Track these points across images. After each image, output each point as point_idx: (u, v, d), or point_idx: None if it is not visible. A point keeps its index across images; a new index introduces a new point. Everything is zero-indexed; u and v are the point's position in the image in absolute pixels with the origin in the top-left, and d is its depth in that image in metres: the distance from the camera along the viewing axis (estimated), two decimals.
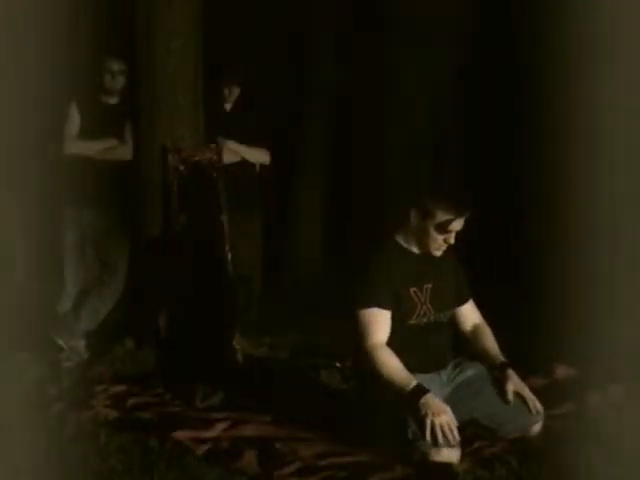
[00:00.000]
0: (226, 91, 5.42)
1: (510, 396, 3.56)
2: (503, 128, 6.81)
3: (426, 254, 3.61)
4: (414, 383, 3.37)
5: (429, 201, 3.53)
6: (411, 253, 3.62)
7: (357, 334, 3.51)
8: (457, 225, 3.54)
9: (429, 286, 3.60)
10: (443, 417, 3.30)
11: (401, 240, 3.63)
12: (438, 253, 3.60)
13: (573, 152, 5.43)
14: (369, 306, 3.50)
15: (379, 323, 3.50)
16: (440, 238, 3.55)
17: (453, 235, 3.56)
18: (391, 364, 3.43)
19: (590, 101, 5.12)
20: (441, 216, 3.51)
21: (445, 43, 7.14)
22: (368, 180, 7.41)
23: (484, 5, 7.00)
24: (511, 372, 3.61)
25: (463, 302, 3.78)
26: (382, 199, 7.15)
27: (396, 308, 3.53)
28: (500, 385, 3.60)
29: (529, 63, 6.37)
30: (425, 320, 3.59)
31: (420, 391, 3.35)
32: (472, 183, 6.59)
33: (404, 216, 3.61)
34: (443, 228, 3.52)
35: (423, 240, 3.58)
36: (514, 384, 3.58)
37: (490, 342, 3.73)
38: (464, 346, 3.79)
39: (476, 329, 3.78)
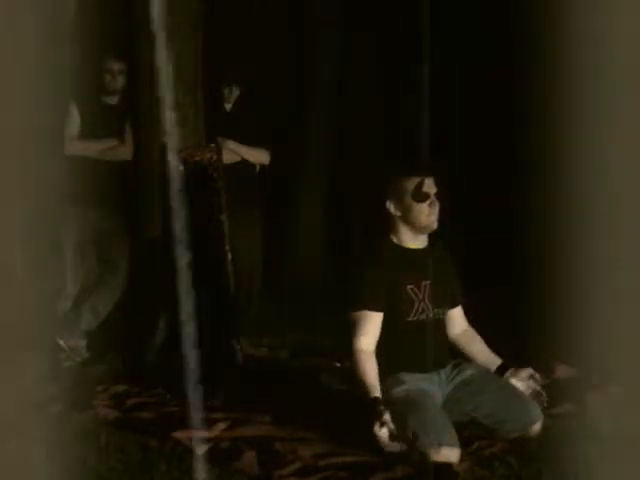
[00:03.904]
0: (226, 91, 5.42)
1: (522, 387, 3.61)
2: (505, 128, 6.81)
3: (423, 233, 3.63)
4: (374, 395, 3.40)
5: (390, 179, 3.61)
6: (407, 250, 3.64)
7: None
8: (429, 187, 3.59)
9: (427, 282, 3.62)
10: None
11: (395, 238, 3.65)
12: (434, 224, 3.61)
13: (571, 152, 5.43)
14: (359, 308, 3.54)
15: (367, 326, 3.54)
16: (424, 206, 3.57)
17: (434, 199, 3.59)
18: (364, 369, 3.47)
19: (591, 100, 5.12)
20: (409, 184, 3.57)
21: (442, 44, 7.15)
22: (368, 180, 7.41)
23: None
24: (510, 370, 3.67)
25: (456, 304, 3.81)
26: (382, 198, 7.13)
27: (393, 306, 3.55)
28: (505, 382, 3.63)
29: (525, 61, 6.39)
30: (424, 317, 3.61)
31: (376, 405, 3.37)
32: (471, 182, 6.61)
33: (387, 214, 3.64)
34: (419, 194, 3.57)
35: (412, 220, 3.61)
36: (518, 376, 3.64)
37: (483, 345, 3.80)
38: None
39: (466, 333, 3.84)
